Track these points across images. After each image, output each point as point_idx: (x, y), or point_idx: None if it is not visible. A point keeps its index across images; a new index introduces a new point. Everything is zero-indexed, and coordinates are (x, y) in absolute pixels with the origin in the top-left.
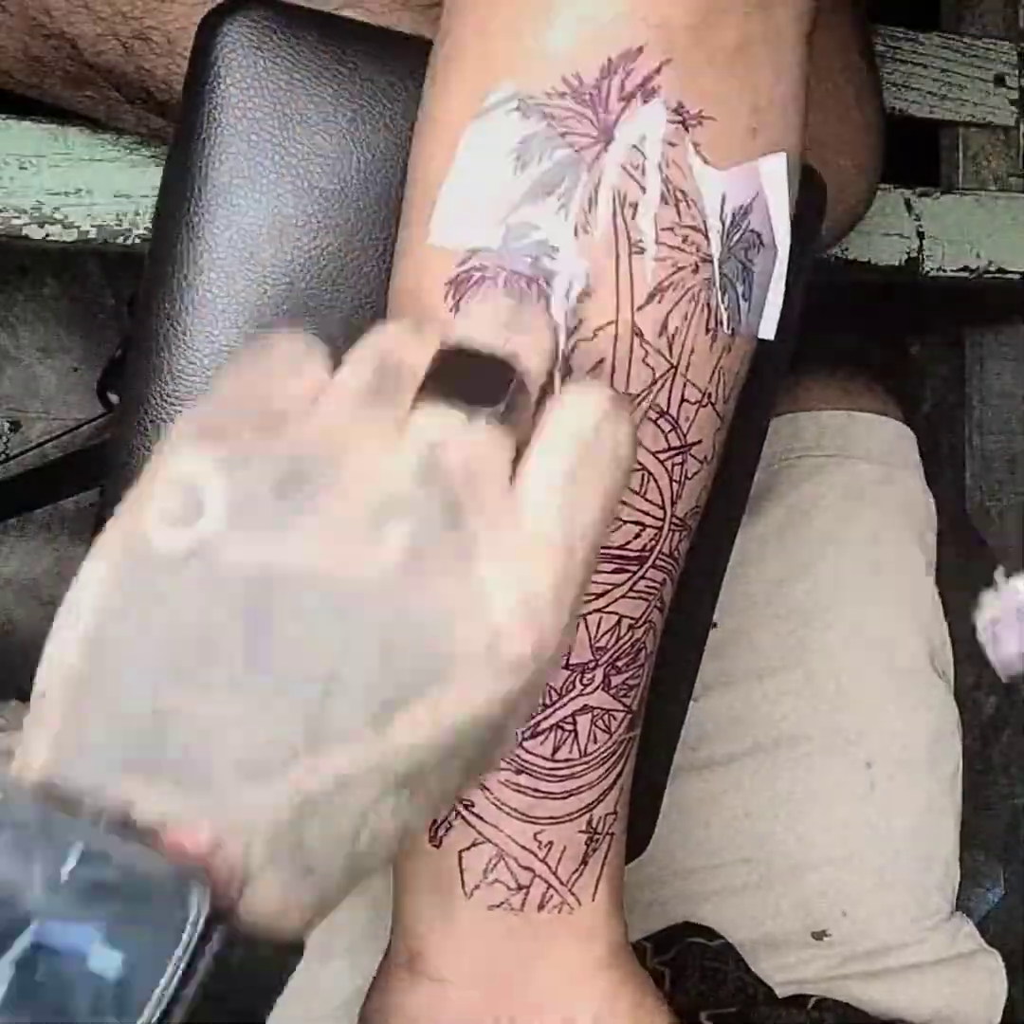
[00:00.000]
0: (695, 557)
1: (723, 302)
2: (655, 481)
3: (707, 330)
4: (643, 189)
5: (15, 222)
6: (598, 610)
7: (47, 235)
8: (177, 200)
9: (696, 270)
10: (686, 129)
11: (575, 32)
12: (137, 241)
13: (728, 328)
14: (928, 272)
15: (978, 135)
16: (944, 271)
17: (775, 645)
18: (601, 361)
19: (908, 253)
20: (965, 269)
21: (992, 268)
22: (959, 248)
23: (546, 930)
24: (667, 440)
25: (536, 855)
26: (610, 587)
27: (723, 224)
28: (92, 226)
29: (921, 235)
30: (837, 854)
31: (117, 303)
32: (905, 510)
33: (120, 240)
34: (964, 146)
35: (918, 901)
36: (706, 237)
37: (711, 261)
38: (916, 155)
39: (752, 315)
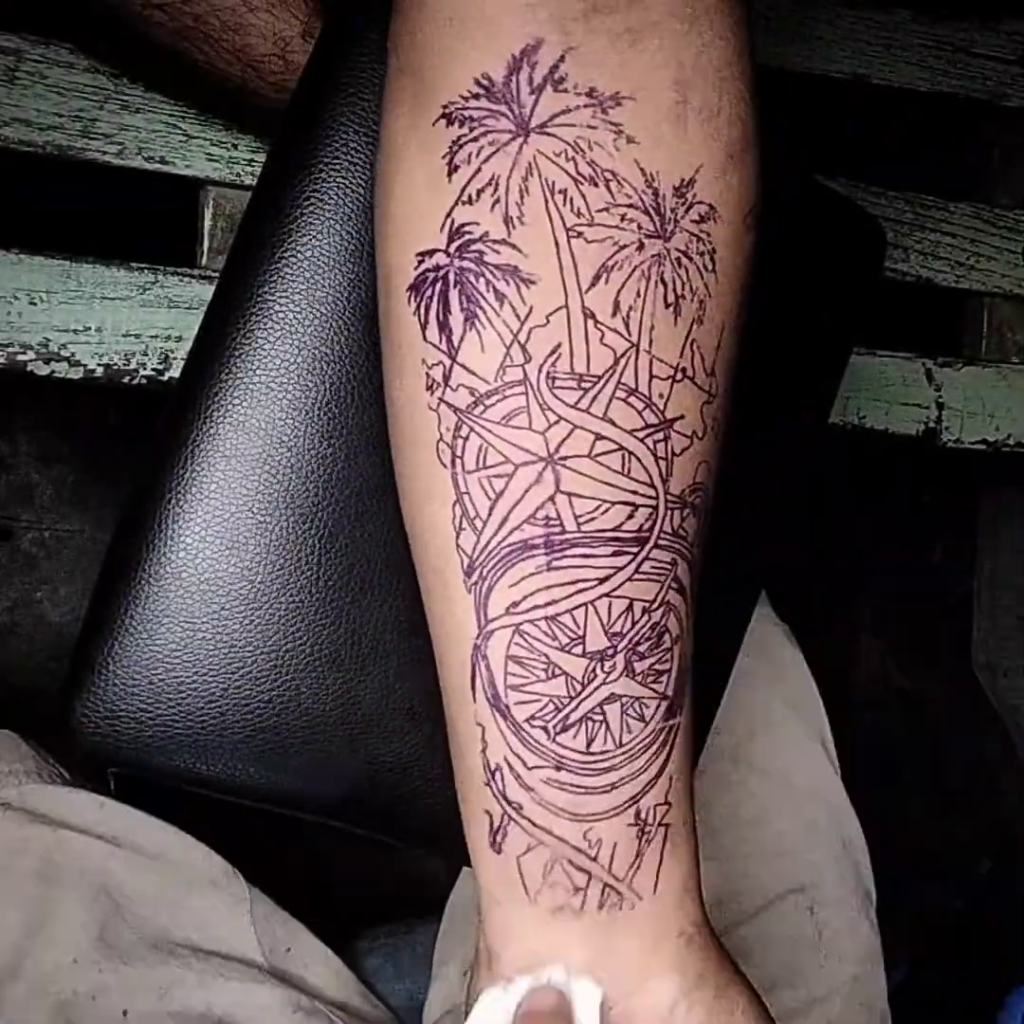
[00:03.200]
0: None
1: (681, 276)
2: (637, 460)
3: (667, 305)
4: (569, 175)
5: (20, 358)
6: (605, 595)
7: (52, 372)
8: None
9: (641, 247)
10: (604, 111)
11: (479, 35)
12: (143, 381)
13: (693, 301)
14: (946, 443)
15: (1004, 306)
16: (961, 442)
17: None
18: (558, 345)
19: (926, 423)
20: (983, 441)
21: (1011, 441)
22: (978, 420)
23: (611, 929)
24: (642, 417)
25: (588, 855)
26: (612, 571)
27: (663, 199)
28: (99, 365)
29: (940, 406)
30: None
31: (119, 417)
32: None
33: (126, 379)
34: (988, 317)
35: None
36: (646, 213)
37: (658, 237)
38: (935, 323)
39: (721, 286)
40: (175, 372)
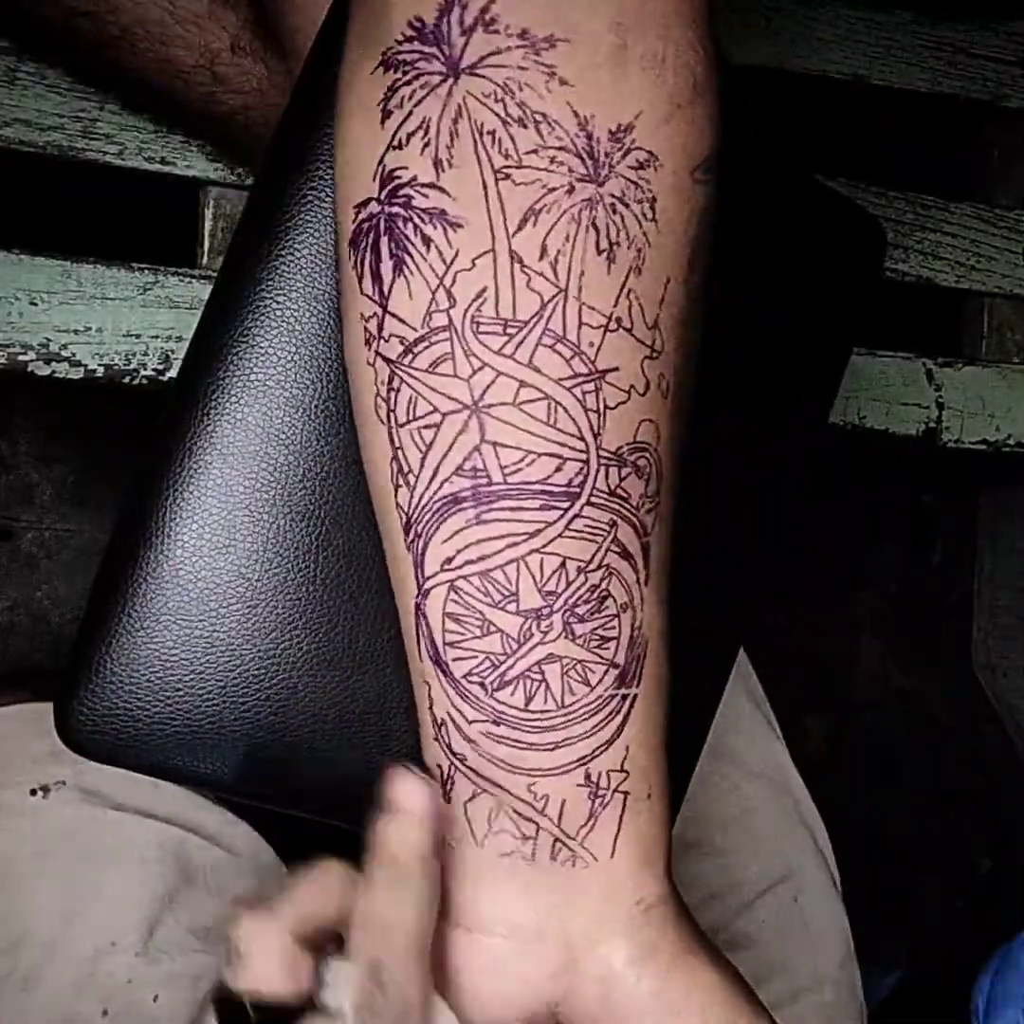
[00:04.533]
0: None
1: (616, 222)
2: (564, 410)
3: (599, 251)
4: (498, 116)
5: (21, 358)
6: (535, 550)
7: (53, 372)
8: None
9: (571, 191)
10: (537, 53)
11: None
12: (144, 381)
13: (630, 249)
14: (946, 443)
15: (1004, 306)
16: (961, 443)
17: None
18: (484, 289)
19: (926, 423)
20: (983, 441)
21: (1011, 441)
22: (978, 420)
23: (564, 884)
24: (570, 366)
25: (535, 807)
26: (542, 525)
27: (597, 142)
28: (100, 365)
29: (941, 406)
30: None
31: (120, 417)
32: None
33: (127, 379)
34: (989, 317)
35: None
36: (578, 156)
37: (590, 181)
38: (935, 323)
39: (663, 236)
40: (175, 372)
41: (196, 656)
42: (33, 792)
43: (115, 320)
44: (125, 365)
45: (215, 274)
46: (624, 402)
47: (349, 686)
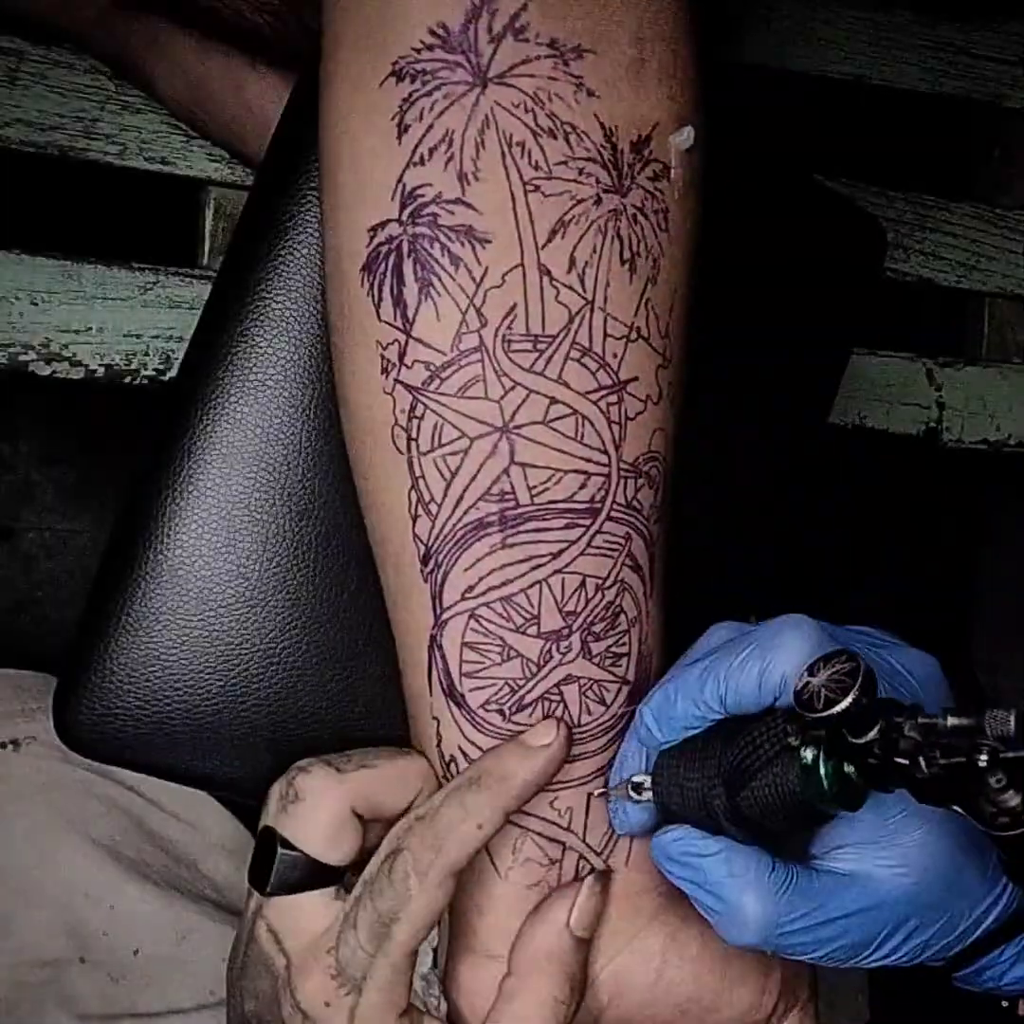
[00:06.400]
0: None
1: (637, 233)
2: (590, 424)
3: (622, 262)
4: (528, 127)
5: (22, 358)
6: (558, 571)
7: (54, 372)
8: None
9: (599, 202)
10: (565, 63)
11: None
12: (145, 381)
13: (648, 259)
14: (946, 443)
15: (1005, 306)
16: (962, 443)
17: None
18: (513, 306)
19: (927, 423)
20: (984, 441)
21: (1012, 441)
22: (979, 420)
23: None
24: (596, 379)
25: (560, 824)
26: (565, 544)
27: (621, 154)
28: (100, 365)
29: (941, 406)
30: None
31: (120, 417)
32: None
33: (127, 380)
34: (989, 317)
35: None
36: (604, 168)
37: (615, 192)
38: (935, 323)
39: (674, 247)
40: (176, 372)
41: (195, 655)
42: (3, 745)
43: (116, 320)
44: (126, 365)
45: (215, 274)
46: (641, 412)
47: (348, 685)
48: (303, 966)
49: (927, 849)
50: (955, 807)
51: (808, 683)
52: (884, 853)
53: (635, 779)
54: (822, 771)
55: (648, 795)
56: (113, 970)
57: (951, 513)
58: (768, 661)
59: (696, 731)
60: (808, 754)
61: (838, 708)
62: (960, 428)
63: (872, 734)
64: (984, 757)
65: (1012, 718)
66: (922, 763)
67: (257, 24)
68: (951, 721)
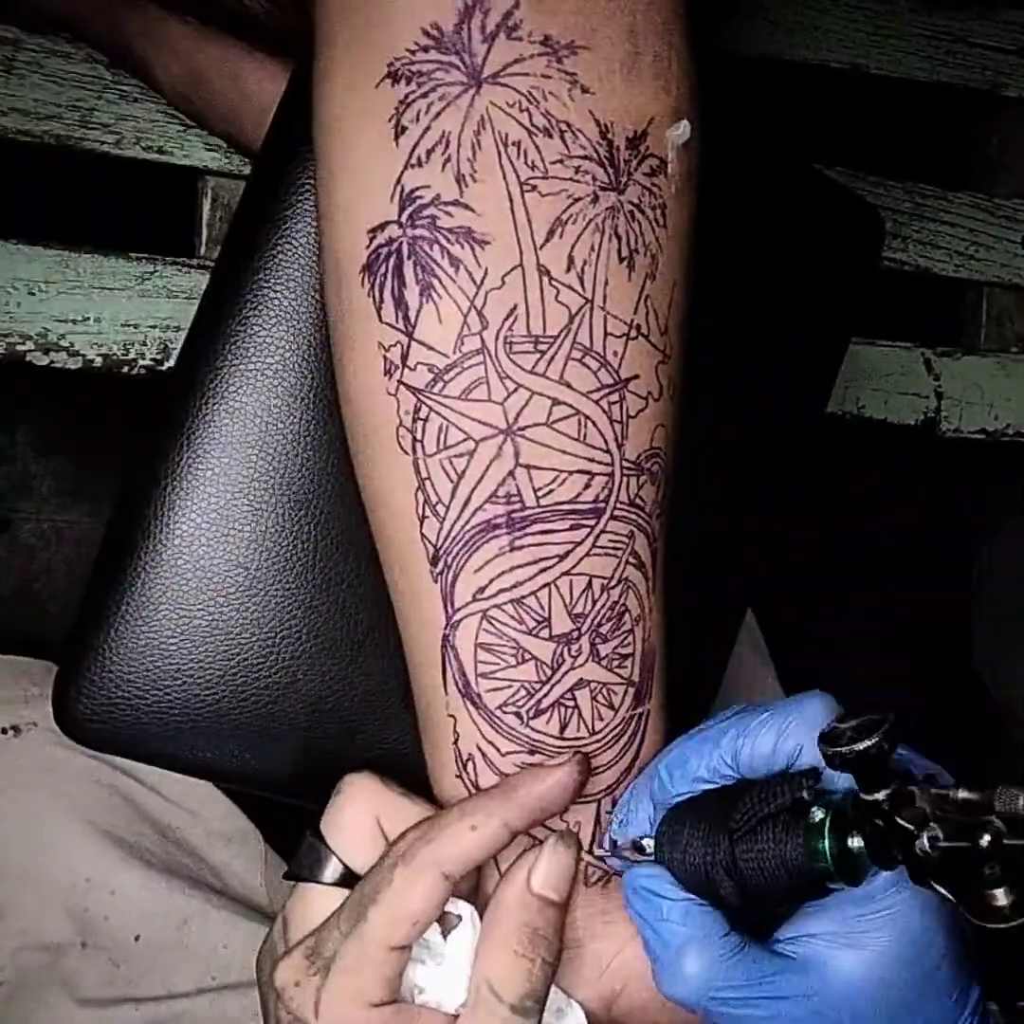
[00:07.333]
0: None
1: (634, 229)
2: (593, 424)
3: (620, 259)
4: (523, 126)
5: (19, 348)
6: (565, 573)
7: (51, 362)
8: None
9: (596, 200)
10: (559, 60)
11: None
12: (142, 371)
13: (646, 256)
14: (945, 432)
15: (1003, 296)
16: (960, 432)
17: None
18: (514, 307)
19: (925, 413)
20: (982, 431)
21: (1010, 430)
22: (977, 409)
23: (596, 900)
24: (597, 378)
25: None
26: (571, 545)
27: (617, 150)
28: (98, 355)
29: (939, 395)
30: None
31: (118, 408)
32: None
33: (125, 370)
34: (988, 306)
35: None
36: (600, 165)
37: (612, 189)
38: (935, 313)
39: (672, 242)
40: (174, 362)
41: (195, 645)
42: (4, 731)
43: (113, 310)
44: (123, 355)
45: (213, 264)
46: (643, 409)
47: (347, 674)
48: (288, 949)
49: (894, 951)
50: (946, 894)
51: (835, 727)
52: (850, 948)
53: (640, 840)
54: (826, 833)
55: (650, 856)
56: (114, 955)
57: (949, 502)
58: (788, 722)
59: (708, 786)
60: (818, 813)
61: (861, 746)
62: (958, 417)
63: (884, 793)
64: (987, 837)
65: (1022, 798)
66: (925, 839)
67: (254, 12)
68: (962, 794)
